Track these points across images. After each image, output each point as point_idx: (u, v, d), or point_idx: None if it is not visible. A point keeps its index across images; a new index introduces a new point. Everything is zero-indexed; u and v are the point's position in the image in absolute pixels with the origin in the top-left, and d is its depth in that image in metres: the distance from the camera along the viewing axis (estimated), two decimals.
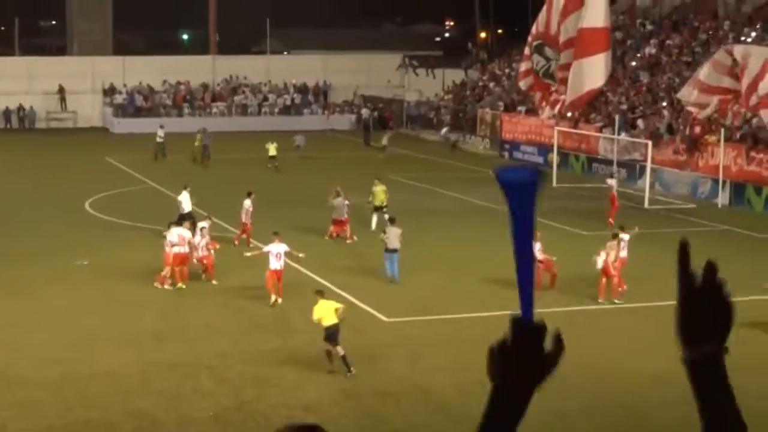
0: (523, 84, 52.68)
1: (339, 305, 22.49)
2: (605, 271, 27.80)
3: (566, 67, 47.32)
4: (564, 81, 47.53)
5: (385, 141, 58.70)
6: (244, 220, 34.43)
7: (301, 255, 28.64)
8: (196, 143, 55.36)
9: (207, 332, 24.84)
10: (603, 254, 27.67)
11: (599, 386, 21.41)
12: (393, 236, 29.97)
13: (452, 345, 23.84)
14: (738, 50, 45.81)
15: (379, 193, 37.15)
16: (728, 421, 2.44)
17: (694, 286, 2.43)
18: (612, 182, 41.24)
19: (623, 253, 28.80)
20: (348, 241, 35.28)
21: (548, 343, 2.45)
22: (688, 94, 47.93)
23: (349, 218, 35.66)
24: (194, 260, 29.60)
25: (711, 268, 2.43)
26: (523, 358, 2.43)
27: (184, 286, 28.83)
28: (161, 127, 58.56)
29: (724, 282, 2.44)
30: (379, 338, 24.37)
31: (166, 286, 28.84)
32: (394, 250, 29.86)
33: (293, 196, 43.54)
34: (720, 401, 2.44)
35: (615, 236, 28.67)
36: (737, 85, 44.76)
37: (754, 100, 44.09)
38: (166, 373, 21.94)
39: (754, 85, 44.07)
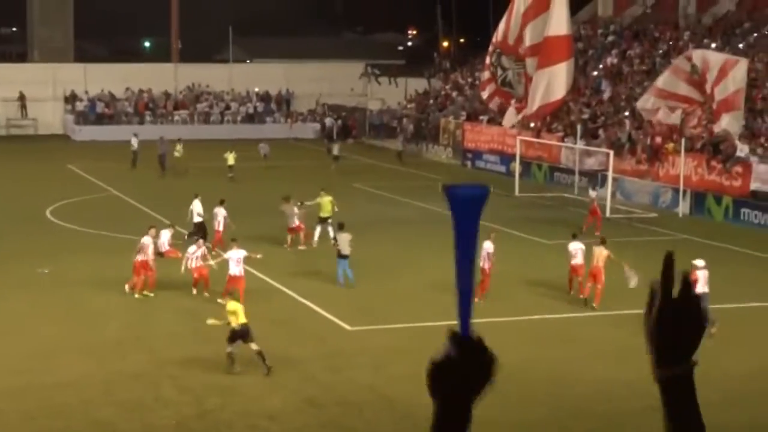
0: (485, 93, 53.00)
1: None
2: (595, 276, 27.91)
3: (529, 77, 47.69)
4: (527, 90, 47.90)
5: (335, 151, 58.20)
6: (216, 228, 34.34)
7: (258, 256, 28.80)
8: (176, 154, 54.54)
9: (170, 341, 24.74)
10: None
11: (569, 394, 21.50)
12: (343, 242, 30.18)
13: (416, 353, 23.77)
14: (697, 55, 46.45)
15: (326, 204, 36.45)
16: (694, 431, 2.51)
17: (672, 302, 2.47)
18: (594, 194, 41.47)
19: (576, 261, 29.09)
20: (300, 247, 35.13)
21: (483, 356, 2.50)
22: (644, 102, 48.52)
23: (301, 225, 35.48)
24: (182, 269, 29.19)
25: (688, 284, 2.48)
26: (464, 373, 2.47)
27: (143, 294, 28.64)
28: (135, 135, 57.88)
29: (699, 298, 2.50)
30: (343, 347, 24.38)
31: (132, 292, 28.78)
32: (346, 256, 30.02)
33: (253, 205, 43.00)
34: (689, 414, 2.50)
35: (603, 241, 28.84)
36: (696, 93, 45.36)
37: (712, 106, 44.76)
38: (128, 383, 21.83)
39: (711, 94, 44.76)
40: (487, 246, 28.47)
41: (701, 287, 25.45)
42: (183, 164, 53.82)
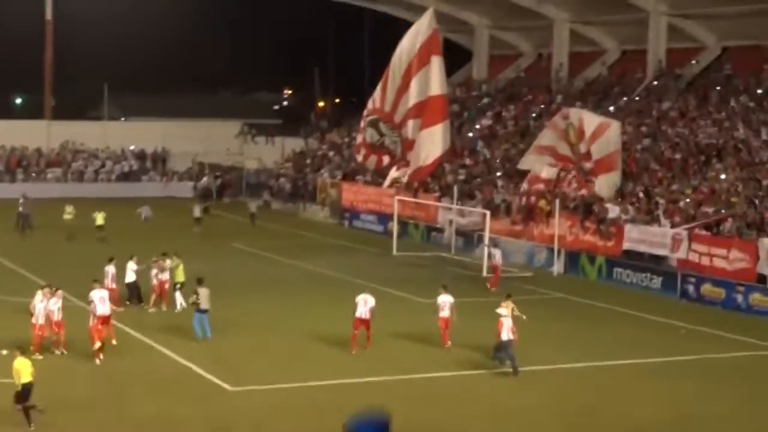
0: (360, 156, 53.61)
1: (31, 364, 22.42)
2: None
3: (411, 143, 48.51)
4: (409, 152, 48.64)
5: (197, 212, 56.37)
6: (109, 285, 33.66)
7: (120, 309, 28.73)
8: (66, 216, 52.43)
9: (44, 405, 24.01)
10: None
11: None
12: (203, 297, 30.24)
13: (296, 413, 23.70)
14: (573, 114, 47.98)
15: (177, 268, 35.24)
16: None
17: None
18: (495, 252, 41.97)
19: (444, 313, 29.91)
20: (151, 310, 34.26)
21: None
22: (524, 162, 49.71)
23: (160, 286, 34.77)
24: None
25: None
26: None
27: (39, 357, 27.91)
28: (23, 196, 55.93)
29: None
30: (224, 408, 24.04)
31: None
32: (206, 311, 30.18)
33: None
34: None
35: (509, 296, 29.46)
36: (570, 152, 46.68)
37: (588, 166, 45.97)
38: None
39: (588, 154, 46.01)
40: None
41: (505, 335, 26.78)
42: (73, 228, 51.68)
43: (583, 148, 46.10)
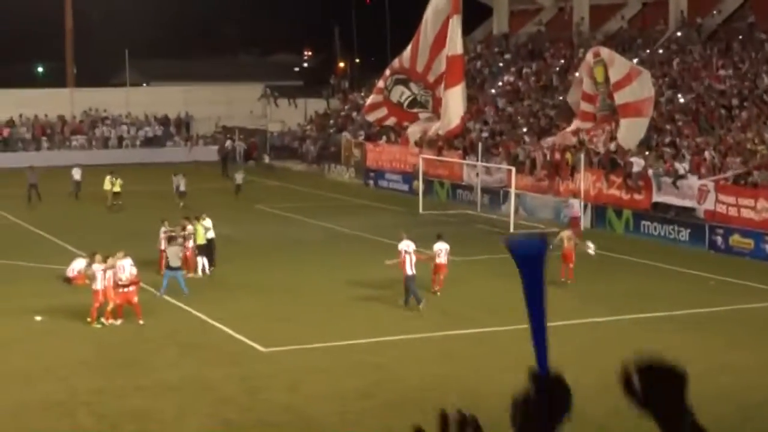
0: (371, 117, 53.70)
1: None
2: (565, 256, 33.05)
3: (440, 101, 49.00)
4: (438, 110, 49.07)
5: (177, 182, 53.68)
6: (161, 247, 33.96)
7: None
8: (106, 187, 51.95)
9: (81, 369, 24.35)
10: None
11: (485, 406, 21.50)
12: (172, 255, 31.39)
13: (331, 373, 23.92)
14: (605, 52, 48.62)
15: (200, 230, 35.03)
16: None
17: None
18: (573, 202, 42.40)
19: (439, 260, 31.49)
20: (190, 275, 33.85)
21: (560, 391, 2.71)
22: (575, 102, 50.24)
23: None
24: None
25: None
26: (542, 409, 2.70)
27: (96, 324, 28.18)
28: (78, 166, 55.80)
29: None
30: (258, 369, 24.28)
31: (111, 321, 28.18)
32: (177, 268, 31.29)
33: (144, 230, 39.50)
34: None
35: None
36: (594, 91, 47.30)
37: (614, 105, 46.58)
38: (40, 413, 21.41)
39: (612, 95, 46.65)
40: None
41: (409, 270, 29.18)
42: (116, 198, 51.09)
43: (611, 88, 46.80)
